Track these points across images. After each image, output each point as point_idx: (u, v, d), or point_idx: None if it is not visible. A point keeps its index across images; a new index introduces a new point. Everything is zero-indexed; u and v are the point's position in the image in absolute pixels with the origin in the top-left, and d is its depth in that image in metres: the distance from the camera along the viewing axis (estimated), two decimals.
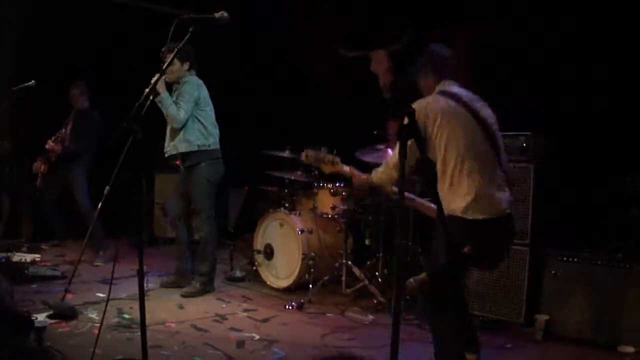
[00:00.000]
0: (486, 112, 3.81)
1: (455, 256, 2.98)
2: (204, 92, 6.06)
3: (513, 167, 3.90)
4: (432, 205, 3.83)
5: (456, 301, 3.77)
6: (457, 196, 3.57)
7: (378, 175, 3.93)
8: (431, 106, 3.68)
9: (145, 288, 3.45)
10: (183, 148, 6.00)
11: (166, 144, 6.16)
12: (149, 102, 3.57)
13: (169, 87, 6.03)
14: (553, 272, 4.99)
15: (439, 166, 3.65)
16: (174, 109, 5.83)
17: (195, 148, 5.99)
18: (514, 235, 3.84)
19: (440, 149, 3.62)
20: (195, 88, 5.98)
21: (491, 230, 3.55)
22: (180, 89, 6.00)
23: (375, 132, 6.45)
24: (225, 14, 3.68)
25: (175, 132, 6.00)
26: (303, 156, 4.38)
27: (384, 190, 4.12)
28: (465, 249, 2.86)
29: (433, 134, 3.64)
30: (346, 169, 4.19)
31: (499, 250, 3.82)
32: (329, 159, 4.22)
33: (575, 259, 4.92)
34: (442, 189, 3.63)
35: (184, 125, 5.94)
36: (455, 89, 3.84)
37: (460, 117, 3.66)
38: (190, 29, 3.53)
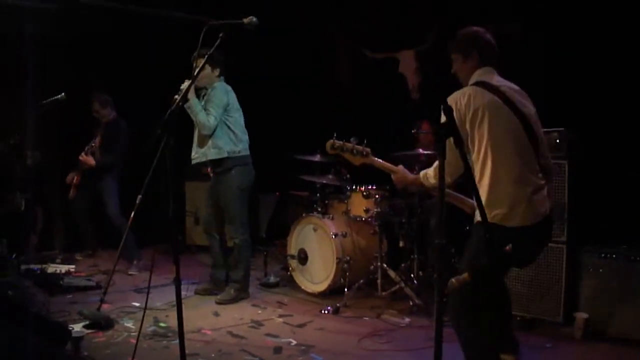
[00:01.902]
0: (528, 108, 3.60)
1: (496, 256, 2.92)
2: (233, 98, 6.06)
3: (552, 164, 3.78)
4: (469, 200, 3.76)
5: (494, 301, 3.68)
6: (494, 202, 3.44)
7: (429, 180, 3.78)
8: (469, 100, 3.50)
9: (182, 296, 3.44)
10: (213, 155, 5.99)
11: (194, 151, 6.16)
12: (179, 109, 3.57)
13: (197, 93, 6.03)
14: (590, 269, 4.92)
15: (477, 166, 3.53)
16: (204, 116, 5.83)
17: (225, 154, 5.98)
18: (551, 233, 3.76)
19: (478, 148, 3.50)
20: (224, 94, 5.97)
21: (530, 235, 3.44)
22: (209, 94, 6.00)
23: (413, 132, 6.44)
24: (254, 19, 3.67)
25: (204, 138, 6.00)
26: (328, 146, 4.26)
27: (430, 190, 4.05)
28: (507, 248, 2.78)
29: (471, 131, 3.51)
30: (379, 161, 4.07)
31: (537, 250, 3.76)
32: (358, 150, 4.09)
33: (613, 256, 4.85)
34: (481, 191, 3.46)
35: (213, 132, 5.94)
36: (496, 79, 3.65)
37: (501, 114, 3.47)
38: (220, 35, 3.52)
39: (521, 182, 3.43)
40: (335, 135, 4.25)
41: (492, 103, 3.48)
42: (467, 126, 3.51)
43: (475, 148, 3.52)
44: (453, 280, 2.65)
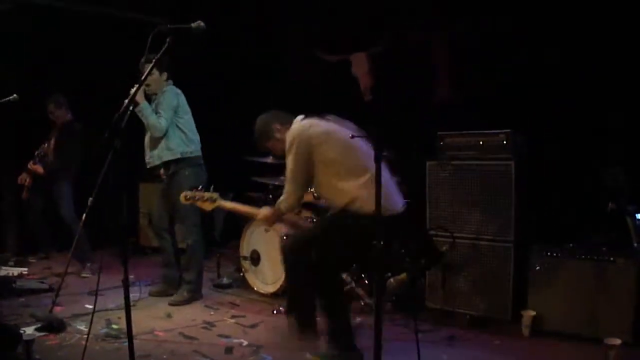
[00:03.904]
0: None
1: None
2: (183, 100, 6.09)
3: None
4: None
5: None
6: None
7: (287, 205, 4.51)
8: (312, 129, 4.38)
9: (132, 299, 3.46)
10: (167, 156, 6.00)
11: (147, 154, 6.17)
12: (129, 112, 3.59)
13: (148, 97, 6.03)
14: (537, 267, 5.03)
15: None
16: (154, 118, 5.85)
17: (178, 155, 6.00)
18: None
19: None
20: (173, 97, 6.00)
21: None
22: (159, 98, 6.01)
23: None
24: (202, 24, 3.68)
25: (157, 140, 6.01)
26: (182, 198, 4.90)
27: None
28: (444, 248, 2.91)
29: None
30: (228, 204, 4.76)
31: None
32: (207, 197, 4.66)
33: (559, 254, 4.95)
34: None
35: (165, 134, 5.95)
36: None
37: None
38: (168, 40, 3.54)
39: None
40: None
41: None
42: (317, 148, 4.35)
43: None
44: (391, 280, 2.74)
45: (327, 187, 4.39)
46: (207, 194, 4.65)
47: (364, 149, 4.35)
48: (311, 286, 4.31)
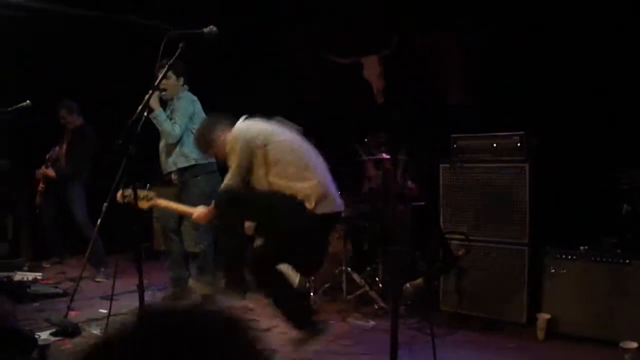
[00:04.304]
0: None
1: None
2: (198, 107, 6.09)
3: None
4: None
5: None
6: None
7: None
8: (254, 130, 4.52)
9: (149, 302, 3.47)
10: (182, 163, 6.01)
11: (163, 160, 6.17)
12: (143, 118, 3.60)
13: (163, 103, 6.04)
14: (552, 270, 5.01)
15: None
16: (169, 125, 5.85)
17: (192, 162, 6.00)
18: None
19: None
20: (189, 104, 6.01)
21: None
22: (175, 104, 6.01)
23: (365, 140, 6.50)
24: (214, 29, 3.69)
25: (172, 147, 6.02)
26: (119, 197, 4.79)
27: None
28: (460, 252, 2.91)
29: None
30: (163, 203, 4.86)
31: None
32: (144, 195, 4.71)
33: (574, 256, 4.93)
34: None
35: (180, 140, 5.96)
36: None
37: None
38: (180, 45, 3.55)
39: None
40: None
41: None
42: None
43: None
44: (408, 285, 2.73)
45: (265, 187, 4.48)
46: (142, 193, 4.72)
47: (310, 152, 4.55)
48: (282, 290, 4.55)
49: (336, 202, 4.50)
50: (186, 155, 6.01)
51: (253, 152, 4.40)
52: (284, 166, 4.37)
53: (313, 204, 4.27)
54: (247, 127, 4.59)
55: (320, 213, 4.30)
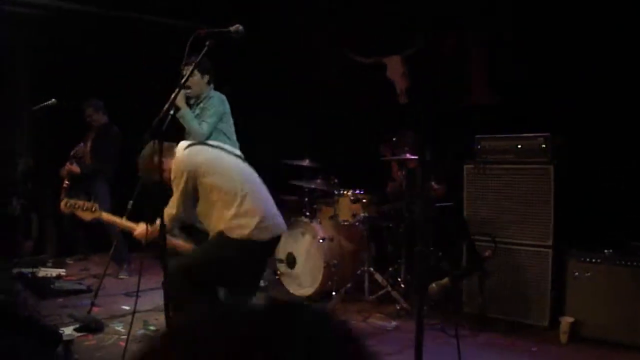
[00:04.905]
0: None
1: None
2: (228, 107, 6.04)
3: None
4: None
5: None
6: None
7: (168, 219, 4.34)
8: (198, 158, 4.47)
9: None
10: None
11: None
12: (169, 117, 3.62)
13: (187, 101, 6.03)
14: (576, 273, 4.97)
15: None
16: (196, 124, 5.75)
17: None
18: None
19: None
20: (220, 103, 5.95)
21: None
22: (205, 103, 5.97)
23: (394, 139, 6.48)
24: (241, 28, 3.69)
25: None
26: (62, 205, 4.85)
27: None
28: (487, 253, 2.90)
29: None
30: (105, 216, 4.75)
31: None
32: (87, 206, 4.69)
33: (598, 259, 4.89)
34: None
35: (209, 139, 5.95)
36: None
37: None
38: (207, 43, 3.55)
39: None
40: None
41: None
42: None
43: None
44: (433, 285, 2.73)
45: (207, 214, 4.50)
46: (87, 204, 4.75)
47: (249, 179, 4.60)
48: None
49: (272, 229, 4.46)
50: None
51: (196, 178, 4.38)
52: (224, 195, 4.36)
53: (248, 231, 4.28)
54: (193, 153, 4.54)
55: (257, 240, 4.32)
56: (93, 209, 4.66)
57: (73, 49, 8.13)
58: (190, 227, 4.95)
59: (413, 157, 6.18)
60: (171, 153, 4.48)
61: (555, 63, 5.92)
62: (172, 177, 4.39)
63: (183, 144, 4.63)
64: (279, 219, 4.58)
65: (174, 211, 4.39)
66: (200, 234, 4.86)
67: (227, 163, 4.58)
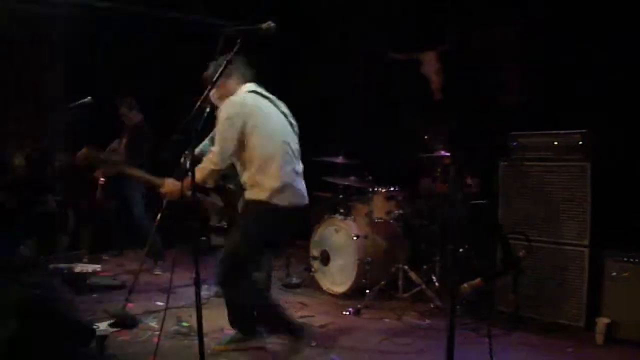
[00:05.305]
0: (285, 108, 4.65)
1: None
2: None
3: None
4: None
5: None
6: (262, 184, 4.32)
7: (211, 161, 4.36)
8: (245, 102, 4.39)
9: (203, 297, 3.50)
10: None
11: None
12: (205, 114, 3.61)
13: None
14: (613, 273, 4.89)
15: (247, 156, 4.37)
16: None
17: None
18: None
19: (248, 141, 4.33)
20: None
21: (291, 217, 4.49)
22: None
23: (425, 137, 6.43)
24: (272, 24, 3.67)
25: None
26: (81, 156, 4.95)
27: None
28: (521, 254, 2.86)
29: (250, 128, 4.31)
30: (129, 170, 4.75)
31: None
32: (111, 160, 4.51)
33: (636, 260, 4.81)
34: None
35: None
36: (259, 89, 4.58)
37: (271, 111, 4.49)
38: (238, 41, 3.54)
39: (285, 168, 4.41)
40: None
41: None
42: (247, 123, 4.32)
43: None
44: (465, 285, 2.70)
45: (242, 166, 4.47)
46: (113, 157, 4.68)
47: (287, 137, 4.51)
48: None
49: (291, 198, 4.41)
50: None
51: (244, 130, 4.31)
52: (259, 153, 4.32)
53: (268, 194, 4.30)
54: (248, 103, 4.44)
55: (278, 205, 4.32)
56: (116, 163, 4.58)
57: (108, 47, 8.21)
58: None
59: (448, 153, 6.15)
60: (235, 78, 4.54)
61: (591, 57, 5.82)
62: (224, 115, 4.35)
63: (248, 86, 4.56)
64: (300, 191, 4.52)
65: (216, 159, 4.32)
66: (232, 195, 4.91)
67: (274, 123, 4.47)
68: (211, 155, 4.34)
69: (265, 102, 4.53)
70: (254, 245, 4.49)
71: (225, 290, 4.55)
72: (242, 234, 4.40)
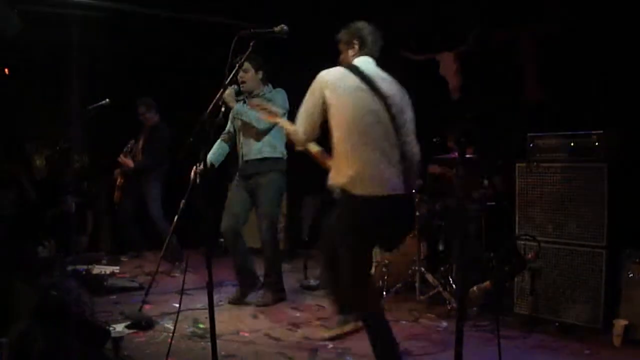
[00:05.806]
0: (391, 89, 4.13)
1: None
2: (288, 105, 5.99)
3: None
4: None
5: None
6: (340, 169, 3.92)
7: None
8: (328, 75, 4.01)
9: (219, 299, 3.53)
10: (268, 152, 6.01)
11: (245, 149, 6.09)
12: (221, 115, 3.62)
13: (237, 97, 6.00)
14: (630, 274, 4.85)
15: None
16: (255, 112, 5.55)
17: (279, 155, 6.05)
18: (410, 219, 4.32)
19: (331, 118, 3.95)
20: (286, 99, 5.94)
21: (378, 207, 3.83)
22: (269, 96, 5.92)
23: (434, 140, 6.41)
24: (285, 27, 3.69)
25: (261, 135, 5.97)
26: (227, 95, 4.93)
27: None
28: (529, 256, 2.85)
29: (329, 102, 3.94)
30: (286, 124, 4.37)
31: (388, 229, 4.05)
32: (270, 109, 4.54)
33: None
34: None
35: (270, 130, 5.92)
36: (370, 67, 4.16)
37: (358, 90, 3.93)
38: (252, 43, 3.56)
39: (369, 153, 3.87)
40: None
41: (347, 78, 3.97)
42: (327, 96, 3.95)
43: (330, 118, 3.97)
44: (474, 288, 2.69)
45: (335, 154, 4.02)
46: (271, 107, 4.63)
47: (384, 121, 3.96)
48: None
49: (383, 185, 3.85)
50: (274, 146, 6.02)
51: (323, 100, 3.98)
52: (344, 131, 3.92)
53: (349, 184, 3.86)
54: (338, 74, 4.05)
55: (359, 195, 3.82)
56: (273, 112, 4.51)
57: (126, 49, 8.27)
58: None
59: (464, 154, 6.12)
60: (355, 54, 4.27)
61: (609, 59, 5.78)
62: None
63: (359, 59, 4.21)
64: (387, 180, 3.87)
65: (300, 128, 4.09)
66: None
67: (368, 102, 3.94)
68: None
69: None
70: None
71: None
72: None
